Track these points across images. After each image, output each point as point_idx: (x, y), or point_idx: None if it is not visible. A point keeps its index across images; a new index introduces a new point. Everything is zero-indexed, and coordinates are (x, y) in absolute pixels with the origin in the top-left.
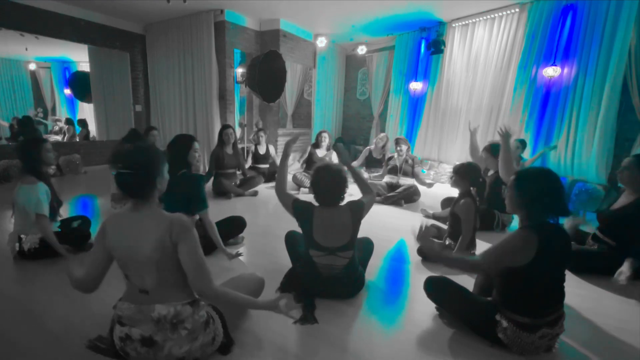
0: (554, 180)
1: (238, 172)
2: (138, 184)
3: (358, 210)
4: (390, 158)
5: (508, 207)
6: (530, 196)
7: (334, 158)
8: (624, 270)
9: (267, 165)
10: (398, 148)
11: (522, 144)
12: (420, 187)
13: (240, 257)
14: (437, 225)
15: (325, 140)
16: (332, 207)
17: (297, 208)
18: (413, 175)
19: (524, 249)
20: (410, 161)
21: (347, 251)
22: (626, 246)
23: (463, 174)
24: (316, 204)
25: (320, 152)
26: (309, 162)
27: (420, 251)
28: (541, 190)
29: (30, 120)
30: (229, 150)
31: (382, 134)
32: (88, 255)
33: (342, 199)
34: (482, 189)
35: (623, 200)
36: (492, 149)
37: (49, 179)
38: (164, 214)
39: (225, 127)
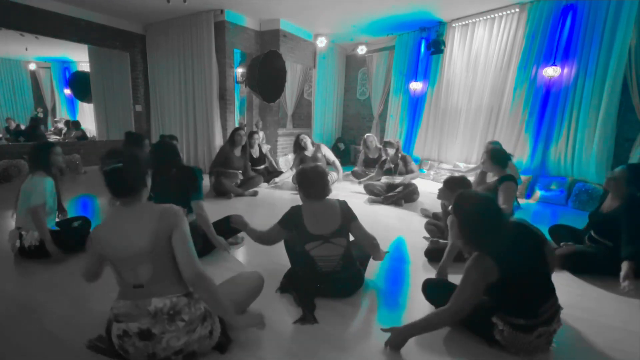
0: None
1: (239, 172)
2: (127, 178)
3: (348, 213)
4: (385, 160)
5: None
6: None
7: (324, 150)
8: (625, 275)
9: (263, 166)
10: (387, 150)
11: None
12: (421, 187)
13: (238, 259)
14: (437, 224)
15: (307, 141)
16: (320, 200)
17: (285, 224)
18: (408, 172)
19: (485, 275)
20: (401, 163)
21: (341, 238)
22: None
23: (452, 187)
24: (300, 203)
25: (309, 152)
26: (301, 163)
27: (426, 252)
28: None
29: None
30: (237, 152)
31: (368, 134)
32: (85, 257)
33: (329, 192)
34: None
35: (609, 202)
36: (493, 156)
37: (57, 182)
38: (154, 206)
39: (238, 128)
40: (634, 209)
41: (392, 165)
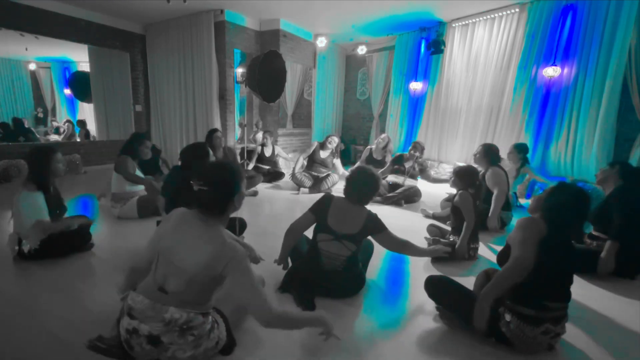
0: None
1: None
2: (216, 200)
3: (373, 226)
4: (400, 157)
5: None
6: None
7: (337, 165)
8: (604, 255)
9: (269, 166)
10: (412, 152)
11: (520, 148)
12: (421, 188)
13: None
14: (437, 225)
15: (332, 144)
16: (353, 203)
17: (314, 210)
18: (422, 174)
19: (536, 224)
20: (417, 168)
21: (352, 243)
22: (623, 241)
23: (462, 176)
24: (335, 195)
25: (324, 154)
26: (310, 160)
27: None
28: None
29: (20, 122)
30: (219, 154)
31: (384, 135)
32: (144, 247)
33: (367, 202)
34: (479, 191)
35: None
36: (486, 154)
37: (57, 188)
38: (223, 237)
39: (213, 130)
40: (623, 192)
41: (408, 167)
